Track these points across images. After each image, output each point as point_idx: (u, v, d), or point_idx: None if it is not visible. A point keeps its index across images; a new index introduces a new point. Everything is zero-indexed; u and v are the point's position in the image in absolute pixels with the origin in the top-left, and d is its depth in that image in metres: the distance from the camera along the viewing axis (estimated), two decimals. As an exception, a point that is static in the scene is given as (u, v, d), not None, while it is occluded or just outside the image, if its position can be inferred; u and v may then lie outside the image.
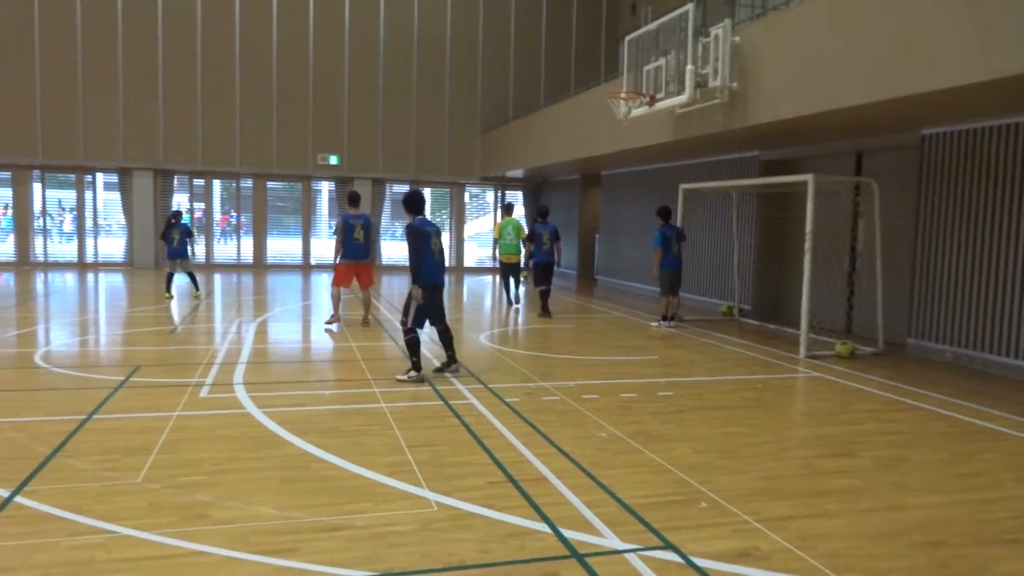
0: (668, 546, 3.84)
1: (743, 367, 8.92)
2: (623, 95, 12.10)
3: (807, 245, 9.75)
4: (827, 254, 10.93)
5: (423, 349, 8.04)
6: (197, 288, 14.60)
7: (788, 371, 8.80)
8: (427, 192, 24.22)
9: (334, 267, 11.36)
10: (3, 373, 7.71)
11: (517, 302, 14.42)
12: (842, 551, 3.85)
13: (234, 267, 22.42)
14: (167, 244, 14.19)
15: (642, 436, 5.81)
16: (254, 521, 4.03)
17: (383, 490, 4.55)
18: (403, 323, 7.75)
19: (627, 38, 12.30)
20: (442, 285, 7.94)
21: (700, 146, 12.95)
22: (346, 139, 22.17)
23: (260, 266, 22.64)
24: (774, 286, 13.59)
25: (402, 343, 8.01)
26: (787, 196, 12.73)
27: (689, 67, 10.37)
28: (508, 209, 14.85)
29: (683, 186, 13.03)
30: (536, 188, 24.53)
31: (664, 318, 12.08)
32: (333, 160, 22.11)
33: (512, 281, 14.46)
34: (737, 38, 10.00)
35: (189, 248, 14.33)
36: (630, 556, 3.73)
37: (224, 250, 22.83)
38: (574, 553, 3.73)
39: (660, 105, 11.22)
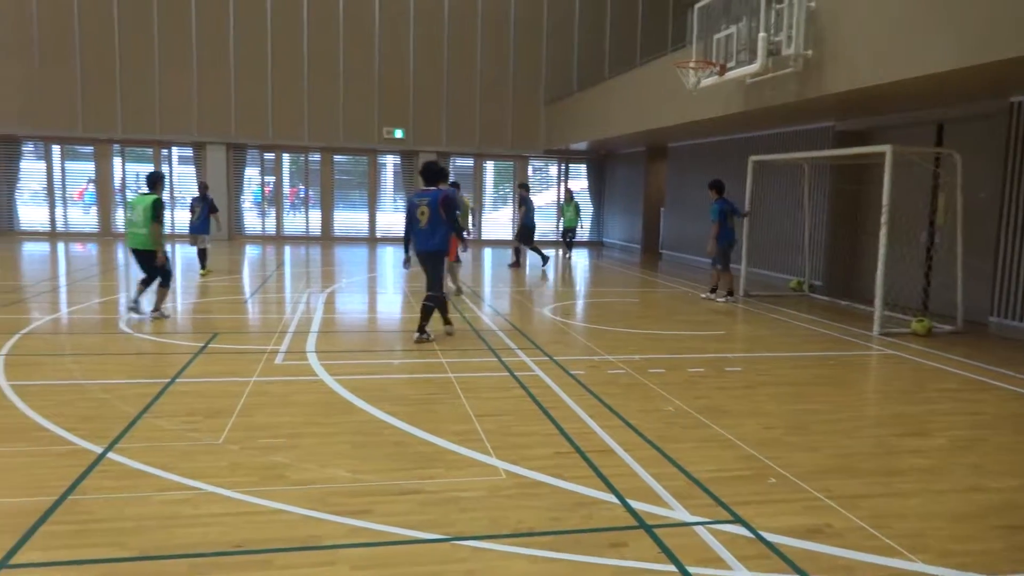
0: (737, 520, 3.82)
1: (814, 343, 8.73)
2: (692, 64, 11.84)
3: (883, 219, 9.42)
4: (904, 229, 10.54)
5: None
6: (204, 266, 13.88)
7: (861, 348, 8.57)
8: (490, 165, 24.26)
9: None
10: (91, 338, 8.11)
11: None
12: (918, 531, 3.77)
13: (302, 239, 22.95)
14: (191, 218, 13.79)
15: (710, 411, 5.77)
16: (330, 483, 4.17)
17: (452, 457, 4.64)
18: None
19: (696, 5, 12.00)
20: (424, 252, 8.21)
21: (771, 117, 12.59)
22: (411, 112, 22.32)
23: (327, 238, 23.12)
24: (846, 261, 13.19)
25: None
26: (862, 168, 12.30)
27: (761, 34, 10.06)
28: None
29: (753, 158, 12.72)
30: (600, 161, 24.30)
31: (729, 293, 11.89)
32: (398, 134, 22.31)
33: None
34: (813, 3, 9.64)
35: (213, 224, 13.91)
36: (699, 529, 3.72)
37: (293, 222, 23.37)
38: (642, 524, 3.75)
39: (730, 75, 10.94)
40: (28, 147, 21.49)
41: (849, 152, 10.82)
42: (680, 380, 6.73)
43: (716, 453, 4.85)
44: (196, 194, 14.24)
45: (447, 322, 8.62)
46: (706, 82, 11.64)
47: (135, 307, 9.12)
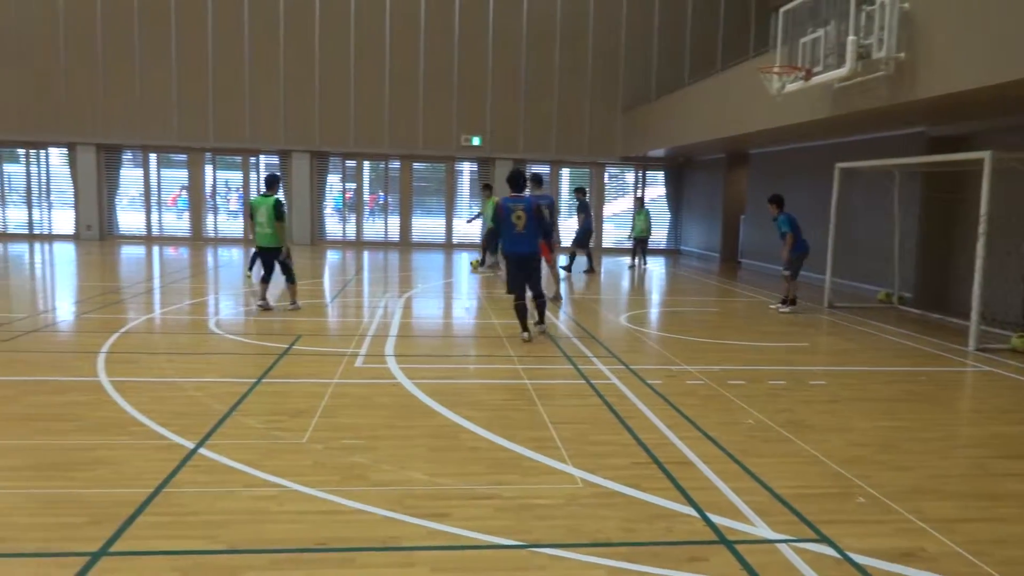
0: (823, 539, 3.69)
1: (904, 358, 8.37)
2: (776, 69, 11.55)
3: (981, 229, 8.96)
4: (1003, 239, 10.00)
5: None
6: (250, 268, 13.91)
7: (955, 364, 8.16)
8: (565, 172, 24.25)
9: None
10: (184, 337, 8.48)
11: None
12: (1020, 559, 3.56)
13: (381, 245, 23.44)
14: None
15: (793, 425, 5.60)
16: (408, 485, 4.23)
17: (528, 464, 4.65)
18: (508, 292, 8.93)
19: (782, 9, 11.70)
20: (523, 255, 8.58)
21: (859, 122, 12.16)
22: (488, 120, 22.53)
23: (406, 244, 23.53)
24: (939, 273, 12.60)
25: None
26: (958, 175, 11.73)
27: (851, 38, 9.74)
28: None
29: (840, 165, 12.30)
30: (678, 168, 23.97)
31: (791, 302, 11.58)
32: (476, 141, 22.55)
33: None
34: (907, 4, 9.27)
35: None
36: (782, 546, 3.61)
37: (372, 228, 23.89)
38: (723, 539, 3.67)
39: (817, 79, 10.62)
40: (127, 155, 22.66)
41: (944, 159, 10.34)
42: (761, 392, 6.56)
43: (800, 469, 4.70)
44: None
45: (525, 328, 8.68)
46: (791, 87, 11.34)
47: (264, 304, 9.99)
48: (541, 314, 9.01)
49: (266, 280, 10.13)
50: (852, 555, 3.53)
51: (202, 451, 4.65)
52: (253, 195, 22.28)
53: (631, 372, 7.18)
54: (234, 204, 23.82)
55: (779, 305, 11.81)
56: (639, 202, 19.13)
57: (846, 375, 7.43)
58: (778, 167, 17.78)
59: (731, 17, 22.67)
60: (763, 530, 3.79)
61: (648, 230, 18.55)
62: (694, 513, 3.96)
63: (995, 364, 8.14)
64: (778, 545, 3.63)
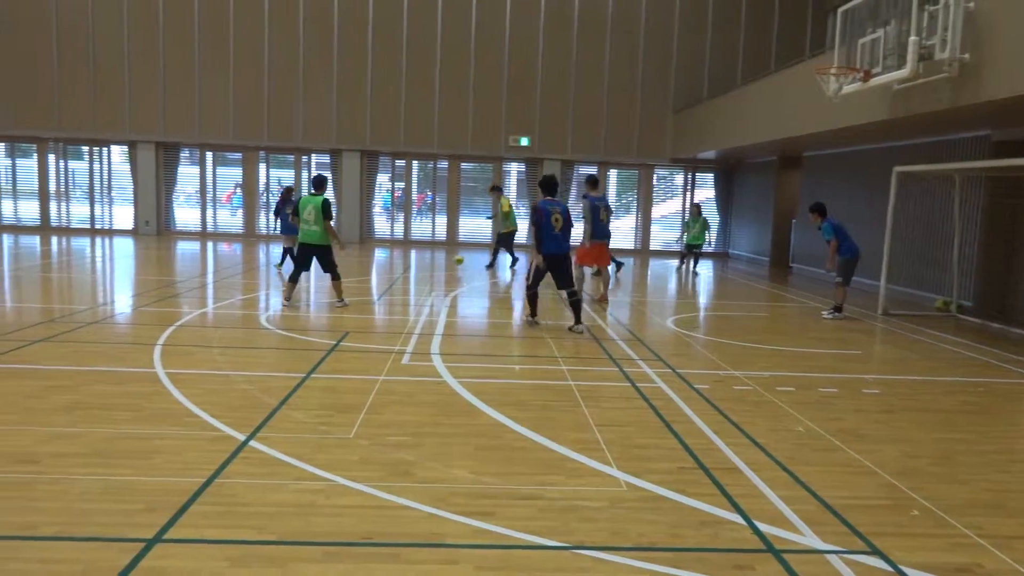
0: (875, 552, 3.60)
1: (963, 368, 8.11)
2: (834, 71, 11.31)
3: (1047, 236, 8.63)
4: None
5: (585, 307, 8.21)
6: (282, 262, 14.50)
7: (1016, 376, 7.88)
8: (613, 173, 24.12)
9: (580, 248, 11.30)
10: (236, 332, 8.68)
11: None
12: (1085, 580, 3.42)
13: (428, 244, 23.62)
14: (281, 220, 14.13)
15: (844, 434, 5.47)
16: (453, 483, 4.26)
17: (572, 465, 4.63)
18: (527, 284, 9.59)
19: (840, 9, 11.45)
20: (560, 255, 9.13)
21: (919, 125, 11.83)
22: (537, 121, 22.54)
23: (452, 243, 23.67)
24: (1001, 282, 12.19)
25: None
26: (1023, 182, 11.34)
27: (912, 38, 9.48)
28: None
29: (898, 168, 11.97)
30: (728, 170, 23.64)
31: (837, 309, 11.29)
32: (524, 142, 22.58)
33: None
34: (972, 4, 8.99)
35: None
36: (831, 557, 3.54)
37: (420, 227, 24.09)
38: (770, 548, 3.61)
39: (876, 81, 10.37)
40: (184, 153, 23.28)
41: (1011, 163, 9.99)
42: (811, 400, 6.43)
43: (851, 479, 4.59)
44: (285, 197, 14.57)
45: (535, 313, 9.60)
46: (848, 89, 11.09)
47: (288, 303, 10.35)
48: (577, 314, 9.27)
49: (294, 279, 10.39)
50: (905, 568, 3.44)
51: (253, 443, 4.75)
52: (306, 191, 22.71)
53: (677, 376, 7.10)
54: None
55: (829, 311, 11.54)
56: (696, 209, 18.04)
57: (901, 384, 7.23)
58: (832, 170, 17.40)
59: (786, 17, 22.30)
60: (812, 540, 3.71)
61: (702, 237, 17.88)
62: (741, 520, 3.90)
63: (1060, 377, 7.84)
64: (828, 556, 3.55)
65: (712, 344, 8.99)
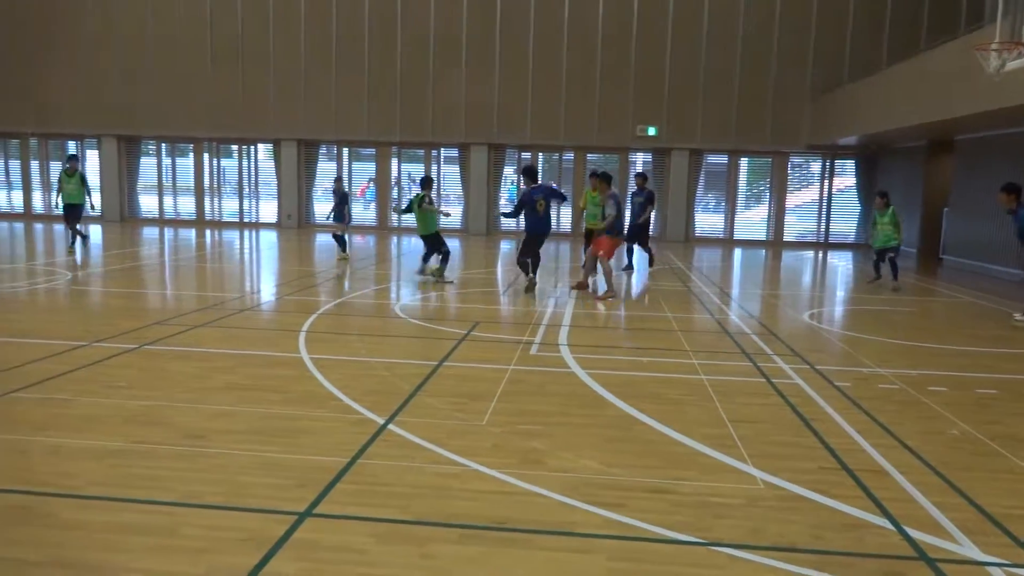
0: (1044, 567, 3.32)
1: None
2: (995, 46, 10.41)
3: None
4: None
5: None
6: (344, 250, 15.18)
7: None
8: (743, 162, 23.31)
9: (609, 241, 11.04)
10: (372, 320, 9.06)
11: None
12: None
13: (553, 235, 23.67)
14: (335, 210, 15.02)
15: (1005, 439, 5.06)
16: (583, 473, 4.28)
17: (706, 460, 4.54)
18: (518, 255, 11.51)
19: (1002, -22, 10.52)
20: (540, 235, 11.26)
21: (1096, 102, 10.71)
22: (665, 109, 22.11)
23: (577, 235, 23.63)
24: None
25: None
26: None
27: (1089, 6, 8.59)
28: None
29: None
30: (870, 156, 22.29)
31: None
32: (652, 131, 22.20)
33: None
34: None
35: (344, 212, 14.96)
36: (993, 570, 3.29)
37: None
38: (923, 556, 3.40)
39: (1044, 55, 9.47)
40: (322, 150, 24.47)
41: None
42: (967, 401, 5.99)
43: (1015, 487, 4.25)
44: (335, 188, 15.37)
45: (527, 272, 11.31)
46: (1012, 65, 10.18)
47: (422, 271, 12.46)
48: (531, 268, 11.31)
49: (425, 258, 12.45)
50: (1080, 588, 3.16)
51: (391, 427, 4.96)
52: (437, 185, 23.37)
53: (816, 372, 6.80)
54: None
55: (1022, 314, 9.81)
56: (882, 199, 13.21)
57: (1072, 387, 6.60)
58: (990, 154, 16.05)
59: (937, -10, 20.73)
60: (970, 550, 3.47)
61: (897, 236, 12.95)
62: (889, 525, 3.70)
63: None
64: (989, 568, 3.31)
65: (853, 339, 8.54)
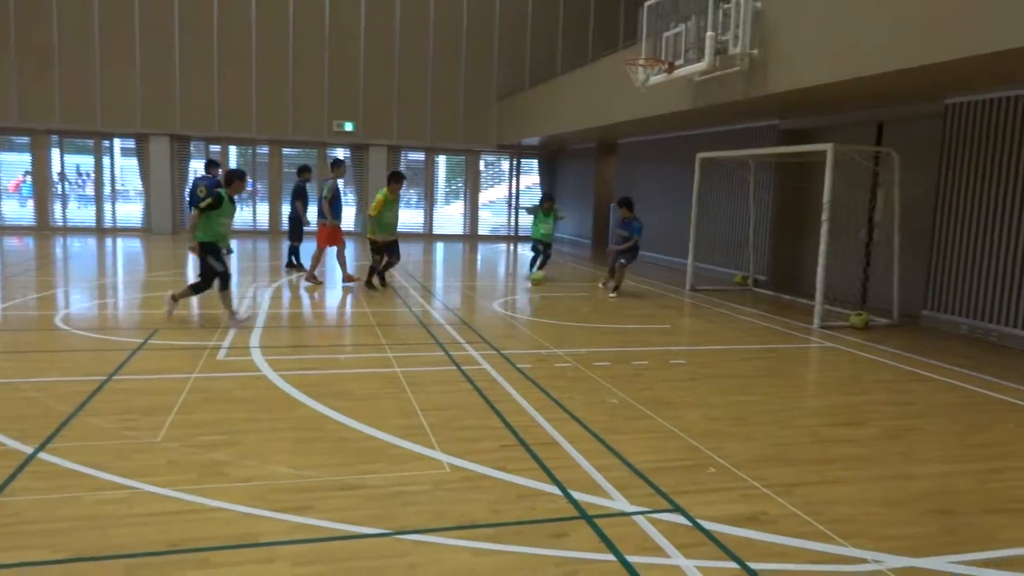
0: (676, 509, 3.89)
1: (756, 336, 8.93)
2: (641, 62, 11.97)
3: (824, 215, 9.67)
4: (844, 225, 10.84)
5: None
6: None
7: (802, 341, 8.79)
8: (442, 159, 24.19)
9: (324, 229, 12.02)
10: (25, 335, 7.84)
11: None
12: (849, 517, 3.89)
13: (249, 233, 22.54)
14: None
15: (653, 403, 5.86)
16: (271, 480, 4.12)
17: (396, 451, 4.63)
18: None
19: (646, 3, 12.12)
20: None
21: (718, 115, 12.81)
22: (361, 106, 22.08)
23: (275, 232, 22.73)
24: (790, 256, 13.52)
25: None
26: (805, 166, 12.61)
27: (709, 33, 10.23)
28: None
29: (700, 155, 12.92)
30: (552, 156, 24.41)
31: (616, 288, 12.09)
32: (348, 127, 22.05)
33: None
34: (759, 3, 9.84)
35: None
36: (638, 518, 3.79)
37: (239, 216, 22.89)
38: (583, 514, 3.80)
39: (679, 72, 11.09)
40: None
41: (792, 150, 11.08)
42: (625, 373, 6.82)
43: (658, 444, 4.93)
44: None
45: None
46: (655, 79, 11.78)
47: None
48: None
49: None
50: (701, 522, 3.75)
51: (41, 455, 4.33)
52: (109, 179, 20.90)
53: (502, 357, 7.28)
54: (90, 189, 22.22)
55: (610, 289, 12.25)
56: (546, 203, 13.52)
57: (704, 354, 7.84)
58: (644, 157, 18.45)
59: (601, 9, 23.24)
60: (621, 503, 3.95)
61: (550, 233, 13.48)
62: (557, 491, 4.07)
63: (836, 340, 8.83)
64: (634, 517, 3.80)
65: (536, 324, 9.29)
